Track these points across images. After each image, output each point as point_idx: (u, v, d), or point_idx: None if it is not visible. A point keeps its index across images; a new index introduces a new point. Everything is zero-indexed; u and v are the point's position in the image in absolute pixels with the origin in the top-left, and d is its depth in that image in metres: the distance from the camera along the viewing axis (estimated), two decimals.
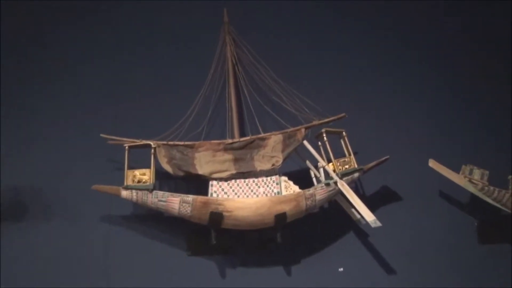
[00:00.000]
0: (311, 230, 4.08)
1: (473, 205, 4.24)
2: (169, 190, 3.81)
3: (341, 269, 4.10)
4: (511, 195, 4.00)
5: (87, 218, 3.85)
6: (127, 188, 3.64)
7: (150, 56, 4.26)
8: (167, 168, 3.71)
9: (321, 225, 4.13)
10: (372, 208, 4.16)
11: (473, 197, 4.13)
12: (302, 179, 3.96)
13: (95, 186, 3.63)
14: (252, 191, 3.78)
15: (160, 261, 3.85)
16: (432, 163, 4.10)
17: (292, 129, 3.94)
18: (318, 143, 3.99)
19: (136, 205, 3.74)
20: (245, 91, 4.02)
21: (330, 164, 3.93)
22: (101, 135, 3.78)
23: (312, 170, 3.97)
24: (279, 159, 3.84)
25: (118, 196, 3.65)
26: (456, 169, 4.08)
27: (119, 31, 4.28)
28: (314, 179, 3.94)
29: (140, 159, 3.74)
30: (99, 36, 4.25)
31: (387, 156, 4.02)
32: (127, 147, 3.71)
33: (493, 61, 4.61)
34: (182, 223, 3.77)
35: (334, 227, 4.16)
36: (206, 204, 3.63)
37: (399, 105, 4.45)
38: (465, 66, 4.59)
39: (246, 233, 3.82)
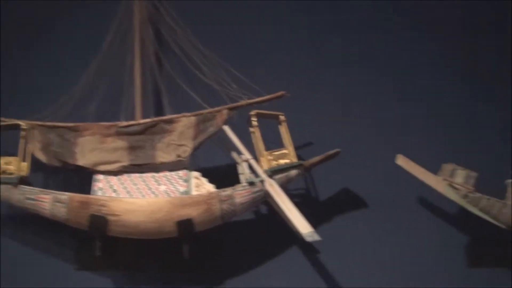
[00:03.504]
0: (239, 243, 3.17)
1: (466, 216, 3.16)
2: (55, 184, 2.99)
3: None
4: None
5: None
6: None
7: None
8: (40, 156, 2.88)
9: (254, 237, 3.21)
10: (327, 216, 3.30)
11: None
12: (230, 176, 3.06)
13: None
14: (150, 189, 2.90)
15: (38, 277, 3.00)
16: (400, 160, 3.10)
17: (210, 110, 3.03)
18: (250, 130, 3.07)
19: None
20: (153, 59, 3.13)
21: (262, 158, 3.01)
22: None
23: (239, 165, 3.04)
24: (187, 149, 2.94)
25: None
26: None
27: None
28: (241, 177, 3.02)
29: None
30: None
31: (337, 149, 3.06)
32: None
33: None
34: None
35: (272, 239, 3.22)
36: (85, 204, 2.76)
37: (362, 83, 3.44)
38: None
39: (152, 244, 2.94)
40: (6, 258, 2.98)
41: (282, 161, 3.00)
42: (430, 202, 3.30)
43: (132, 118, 3.01)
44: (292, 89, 3.14)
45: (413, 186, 3.17)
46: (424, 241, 3.28)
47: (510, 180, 3.07)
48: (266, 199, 2.98)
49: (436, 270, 3.24)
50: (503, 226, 3.00)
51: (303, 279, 3.17)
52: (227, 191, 2.87)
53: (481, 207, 2.98)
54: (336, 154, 3.06)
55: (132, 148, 2.93)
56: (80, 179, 2.97)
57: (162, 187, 2.89)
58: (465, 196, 2.98)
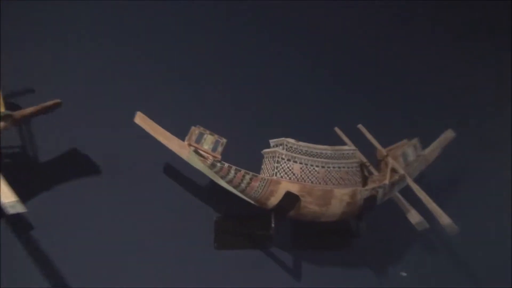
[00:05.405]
0: None
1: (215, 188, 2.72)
2: None
3: None
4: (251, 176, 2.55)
5: None
6: None
7: None
8: None
9: None
10: (48, 181, 2.69)
11: None
12: None
13: None
14: None
15: None
16: (139, 119, 2.56)
17: None
18: None
19: None
20: None
21: None
22: None
23: None
24: None
25: None
26: None
27: None
28: None
29: None
30: None
31: (57, 100, 2.44)
32: None
33: None
34: None
35: None
36: None
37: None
38: None
39: None
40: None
41: None
42: (177, 170, 2.82)
43: None
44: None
45: (159, 150, 2.64)
46: (168, 215, 2.81)
47: (266, 150, 2.73)
48: None
49: (185, 250, 2.80)
50: (252, 202, 2.64)
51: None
52: None
53: (229, 179, 2.57)
54: (56, 105, 2.45)
55: None
56: None
57: None
58: (212, 166, 2.55)
